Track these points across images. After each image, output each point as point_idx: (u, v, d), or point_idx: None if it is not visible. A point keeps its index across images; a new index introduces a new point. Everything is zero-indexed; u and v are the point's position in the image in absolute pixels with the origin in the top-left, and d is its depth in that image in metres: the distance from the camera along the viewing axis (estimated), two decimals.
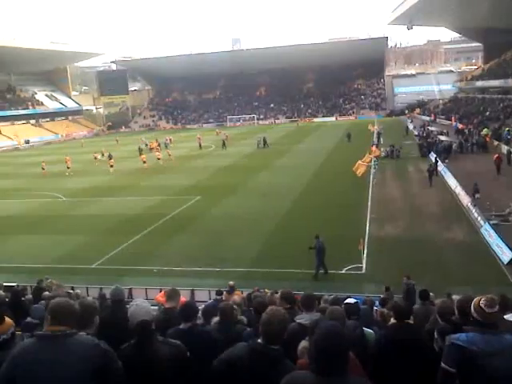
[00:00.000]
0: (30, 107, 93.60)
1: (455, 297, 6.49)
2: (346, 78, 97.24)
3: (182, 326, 4.58)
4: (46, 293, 11.29)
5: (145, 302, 4.36)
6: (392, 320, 5.26)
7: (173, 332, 4.47)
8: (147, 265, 18.57)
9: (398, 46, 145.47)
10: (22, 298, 11.14)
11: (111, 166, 42.60)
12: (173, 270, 17.66)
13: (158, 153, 47.10)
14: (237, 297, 10.38)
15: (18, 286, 13.72)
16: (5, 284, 13.30)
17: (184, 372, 3.71)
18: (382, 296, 11.90)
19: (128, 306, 4.89)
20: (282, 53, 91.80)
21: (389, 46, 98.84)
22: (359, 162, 31.95)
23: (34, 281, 13.45)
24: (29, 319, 7.31)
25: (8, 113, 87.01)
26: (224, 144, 52.94)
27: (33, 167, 47.70)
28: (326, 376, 2.69)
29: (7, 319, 4.26)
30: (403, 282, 12.97)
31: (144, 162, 43.03)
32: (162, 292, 13.54)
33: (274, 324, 3.44)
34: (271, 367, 3.38)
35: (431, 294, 8.52)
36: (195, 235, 22.18)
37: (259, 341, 3.49)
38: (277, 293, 8.74)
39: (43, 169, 42.56)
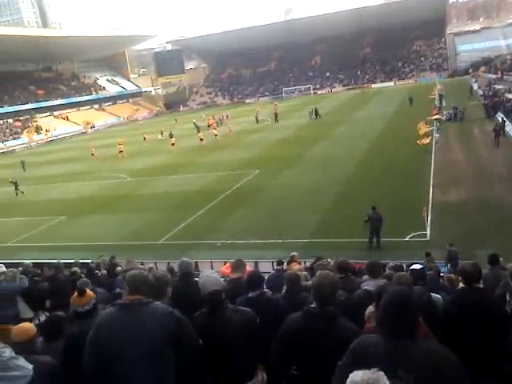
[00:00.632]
0: (93, 93, 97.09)
1: None
2: (404, 40, 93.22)
3: (250, 295, 4.72)
4: (119, 268, 11.89)
5: (214, 272, 4.50)
6: (461, 284, 5.14)
7: (242, 300, 4.63)
8: (211, 239, 19.00)
9: (460, 0, 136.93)
10: (98, 273, 11.82)
11: (172, 145, 43.60)
12: (236, 243, 17.97)
13: (214, 130, 47.66)
14: (296, 267, 10.47)
15: (92, 262, 14.55)
16: (80, 261, 14.15)
17: (254, 337, 3.85)
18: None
19: (197, 278, 5.07)
20: (336, 19, 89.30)
21: (450, 1, 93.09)
22: (421, 124, 30.87)
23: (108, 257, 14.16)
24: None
25: (74, 99, 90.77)
26: (276, 117, 52.52)
27: (99, 150, 49.67)
28: (396, 339, 2.69)
29: (88, 291, 4.58)
30: (447, 249, 12.74)
31: (201, 140, 43.77)
32: (227, 264, 13.87)
33: (325, 286, 3.53)
34: (327, 326, 3.46)
35: (501, 258, 8.16)
36: (256, 208, 22.42)
37: (313, 305, 3.56)
38: None
39: (121, 151, 43.60)
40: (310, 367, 3.52)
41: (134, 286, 3.48)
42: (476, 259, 6.72)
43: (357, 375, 2.22)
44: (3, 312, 7.45)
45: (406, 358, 2.60)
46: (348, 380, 2.22)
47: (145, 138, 51.92)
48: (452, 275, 8.38)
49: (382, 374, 2.21)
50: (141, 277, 3.56)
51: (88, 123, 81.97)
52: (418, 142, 29.08)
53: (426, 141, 28.91)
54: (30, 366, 2.91)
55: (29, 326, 4.28)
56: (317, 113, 51.47)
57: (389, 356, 2.59)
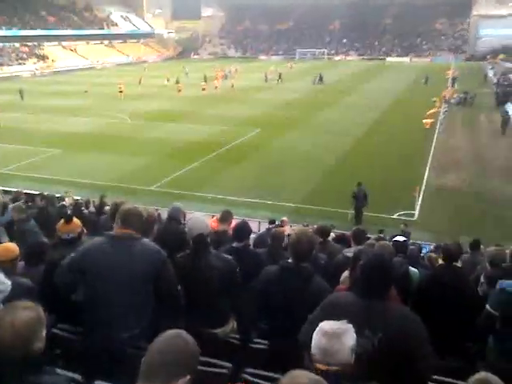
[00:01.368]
0: (105, 27, 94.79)
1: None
2: (428, 16, 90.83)
3: (234, 244, 4.81)
4: (108, 207, 11.95)
5: (202, 216, 4.56)
6: (440, 261, 5.26)
7: (226, 248, 4.72)
8: (202, 191, 19.05)
9: None
10: (85, 211, 11.90)
11: (179, 91, 43.97)
12: (226, 198, 18.00)
13: (216, 81, 47.47)
14: (286, 227, 10.64)
15: (81, 199, 14.60)
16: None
17: (232, 284, 3.92)
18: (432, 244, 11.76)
19: (185, 221, 5.14)
20: None
21: None
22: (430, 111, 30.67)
23: (96, 196, 14.22)
24: None
25: (84, 32, 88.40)
26: (321, 79, 51.81)
27: (103, 87, 49.00)
28: (368, 298, 2.79)
29: (75, 220, 4.67)
30: (401, 229, 12.98)
31: (203, 89, 44.62)
32: (214, 218, 13.97)
33: (303, 243, 3.60)
34: (301, 283, 3.55)
35: (482, 246, 8.29)
36: (252, 166, 22.40)
37: (289, 260, 3.65)
38: None
39: (121, 91, 43.34)
40: (280, 321, 3.61)
41: (127, 220, 3.51)
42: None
43: (327, 324, 2.27)
44: None
45: (375, 317, 2.71)
46: (317, 329, 2.27)
47: (140, 82, 51.26)
48: (433, 254, 8.52)
49: (351, 326, 2.28)
50: (135, 211, 3.59)
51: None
52: (423, 120, 28.99)
53: (429, 123, 28.81)
54: (9, 282, 2.99)
55: (12, 246, 4.38)
56: (321, 79, 51.06)
57: (359, 314, 2.69)
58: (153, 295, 3.48)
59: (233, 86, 46.94)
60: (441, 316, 4.17)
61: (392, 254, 4.76)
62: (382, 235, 9.73)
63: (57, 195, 13.87)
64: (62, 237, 4.55)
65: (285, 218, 12.45)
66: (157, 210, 14.55)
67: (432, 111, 30.40)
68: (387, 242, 5.78)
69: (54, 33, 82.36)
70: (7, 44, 74.48)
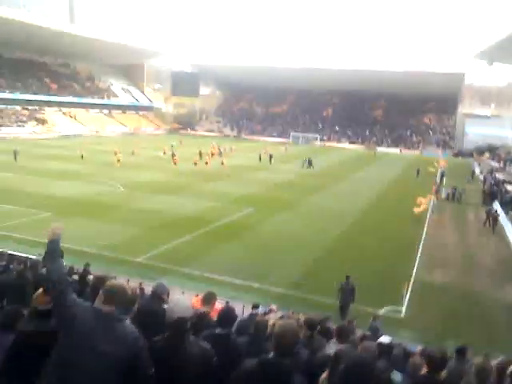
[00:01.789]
0: (106, 98, 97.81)
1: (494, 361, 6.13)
2: (416, 110, 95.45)
3: (217, 331, 4.62)
4: (91, 276, 11.67)
5: (184, 299, 4.42)
6: (424, 369, 5.06)
7: (207, 334, 4.52)
8: (190, 268, 18.79)
9: (475, 83, 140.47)
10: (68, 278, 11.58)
11: (175, 163, 45.83)
12: (213, 277, 17.75)
13: (208, 158, 48.78)
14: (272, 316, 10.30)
15: (65, 266, 14.24)
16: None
17: (207, 374, 3.77)
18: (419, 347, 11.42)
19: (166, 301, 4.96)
20: (354, 76, 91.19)
21: (465, 83, 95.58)
22: (420, 199, 31.31)
23: (81, 264, 13.96)
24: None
25: (85, 100, 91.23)
26: (310, 163, 52.78)
27: (99, 154, 49.66)
28: None
29: None
30: (370, 322, 12.66)
31: (195, 164, 46.27)
32: (198, 297, 13.63)
33: (287, 337, 3.45)
34: (282, 380, 3.38)
35: (469, 351, 8.03)
36: (242, 246, 22.24)
37: (270, 355, 3.49)
38: None
39: (118, 161, 44.28)
40: None
41: (111, 297, 3.43)
42: (445, 347, 6.62)
43: None
44: None
45: None
46: None
47: (117, 154, 50.24)
48: (417, 359, 8.22)
49: None
50: (119, 289, 3.52)
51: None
52: (414, 209, 29.61)
53: (419, 210, 29.37)
54: None
55: None
56: (310, 163, 52.36)
57: None
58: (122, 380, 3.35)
59: (223, 163, 47.81)
60: None
61: (375, 357, 4.58)
62: (367, 334, 9.41)
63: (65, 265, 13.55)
64: (38, 307, 4.35)
65: (273, 307, 12.12)
66: (141, 283, 14.32)
67: (422, 202, 31.02)
68: (371, 343, 5.58)
69: (55, 99, 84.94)
70: (9, 106, 76.33)
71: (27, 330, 4.18)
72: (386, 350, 5.85)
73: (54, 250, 3.62)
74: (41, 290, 4.44)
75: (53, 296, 3.54)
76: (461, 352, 7.68)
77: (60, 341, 3.36)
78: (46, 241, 3.61)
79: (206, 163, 46.97)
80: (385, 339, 6.23)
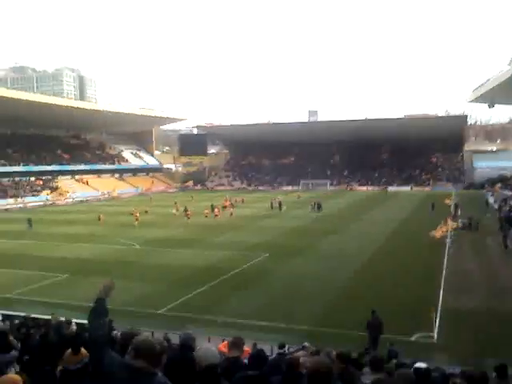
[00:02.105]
0: (116, 163, 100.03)
1: None
2: (422, 152, 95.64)
3: (249, 373, 4.56)
4: (115, 332, 11.59)
5: (212, 346, 4.42)
6: None
7: (240, 377, 4.46)
8: (211, 315, 18.61)
9: (478, 122, 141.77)
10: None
11: (188, 218, 45.87)
12: (236, 321, 17.52)
13: (218, 209, 49.77)
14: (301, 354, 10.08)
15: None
16: (76, 321, 13.82)
17: None
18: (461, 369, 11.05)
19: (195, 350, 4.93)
20: (356, 126, 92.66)
21: (468, 123, 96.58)
22: (438, 229, 31.14)
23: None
24: None
25: (97, 167, 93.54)
26: (319, 206, 53.23)
27: (113, 216, 50.25)
28: None
29: (83, 350, 4.51)
30: (387, 348, 12.63)
31: (206, 216, 47.10)
32: (225, 342, 13.43)
33: (321, 373, 3.41)
34: None
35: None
36: (261, 291, 22.02)
37: None
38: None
39: (136, 220, 44.63)
40: None
41: (140, 352, 3.37)
42: (483, 367, 6.43)
43: None
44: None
45: None
46: None
47: (134, 217, 49.51)
48: (457, 381, 7.95)
49: None
50: (149, 344, 3.45)
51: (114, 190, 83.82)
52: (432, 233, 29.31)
53: (438, 234, 29.12)
54: None
55: (16, 378, 4.17)
56: (319, 206, 52.88)
57: None
58: None
59: (231, 214, 48.25)
60: None
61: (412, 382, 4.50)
62: (401, 361, 9.18)
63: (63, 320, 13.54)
64: (68, 368, 4.38)
65: (306, 344, 11.85)
66: (166, 334, 14.16)
67: (439, 232, 30.82)
68: (406, 371, 5.47)
69: (68, 168, 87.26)
70: (23, 178, 78.35)
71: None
72: (423, 374, 5.73)
73: (101, 307, 3.70)
74: (69, 350, 4.50)
75: (92, 352, 3.53)
76: (501, 370, 7.36)
77: None
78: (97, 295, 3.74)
79: (216, 216, 47.48)
80: (420, 365, 6.13)
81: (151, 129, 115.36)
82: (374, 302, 19.03)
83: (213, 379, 3.71)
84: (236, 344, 5.95)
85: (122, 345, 4.16)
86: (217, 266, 26.97)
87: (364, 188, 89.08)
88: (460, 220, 38.94)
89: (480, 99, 73.57)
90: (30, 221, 43.94)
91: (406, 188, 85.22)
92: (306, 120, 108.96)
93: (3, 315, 13.61)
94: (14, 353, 8.05)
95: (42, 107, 76.26)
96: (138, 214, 45.42)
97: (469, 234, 35.70)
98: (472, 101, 78.40)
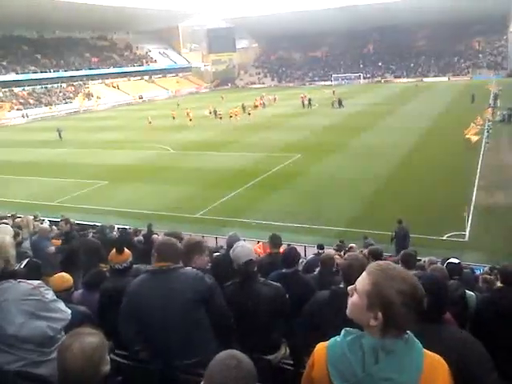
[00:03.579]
0: (145, 64, 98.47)
1: None
2: (462, 36, 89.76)
3: (284, 271, 4.79)
4: (155, 235, 12.23)
5: (245, 244, 4.59)
6: (498, 284, 5.05)
7: (275, 275, 4.71)
8: (246, 218, 19.16)
9: None
10: (134, 239, 12.20)
11: (220, 118, 46.49)
12: (270, 224, 17.95)
13: (250, 109, 49.52)
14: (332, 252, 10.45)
15: (130, 228, 14.97)
16: (117, 226, 14.59)
17: (281, 313, 3.91)
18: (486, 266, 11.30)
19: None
20: (393, 9, 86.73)
21: None
22: (472, 125, 30.14)
23: (142, 225, 14.60)
24: None
25: (125, 69, 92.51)
26: (340, 102, 51.94)
27: (144, 121, 50.60)
28: (424, 323, 2.68)
29: (126, 250, 4.79)
30: (396, 228, 13.37)
31: (230, 117, 46.13)
32: (259, 244, 13.96)
33: (354, 267, 3.51)
34: None
35: None
36: (294, 192, 22.36)
37: (341, 285, 3.59)
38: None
39: (150, 122, 45.77)
40: None
41: (162, 254, 3.54)
42: None
43: None
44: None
45: (434, 342, 2.60)
46: None
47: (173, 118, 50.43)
48: (488, 275, 8.17)
49: None
50: (169, 243, 3.61)
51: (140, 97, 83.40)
52: (466, 136, 28.55)
53: (475, 139, 28.20)
54: (69, 311, 3.07)
55: (67, 276, 4.52)
56: (340, 103, 51.56)
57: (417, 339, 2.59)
58: (207, 320, 3.49)
59: (249, 114, 48.10)
60: (502, 341, 3.96)
61: (446, 277, 4.61)
62: (433, 258, 9.39)
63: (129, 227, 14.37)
64: (114, 266, 4.67)
65: (353, 245, 12.03)
66: (203, 236, 14.84)
67: (475, 129, 29.77)
68: (439, 265, 5.60)
69: (97, 72, 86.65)
70: (55, 85, 78.69)
71: (107, 287, 4.57)
72: (455, 269, 5.86)
73: None
74: (114, 250, 4.75)
75: None
76: None
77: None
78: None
79: (249, 114, 47.35)
80: (453, 260, 6.25)
81: (177, 25, 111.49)
82: (406, 201, 19.29)
83: (250, 274, 3.95)
84: (275, 242, 6.26)
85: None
86: (250, 167, 27.27)
87: (399, 80, 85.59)
88: (499, 112, 37.42)
89: None
90: (59, 131, 43.07)
91: (444, 79, 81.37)
92: (339, 5, 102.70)
93: (50, 221, 14.37)
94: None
95: (65, 6, 74.26)
96: (174, 113, 46.79)
97: (508, 126, 34.36)
98: None
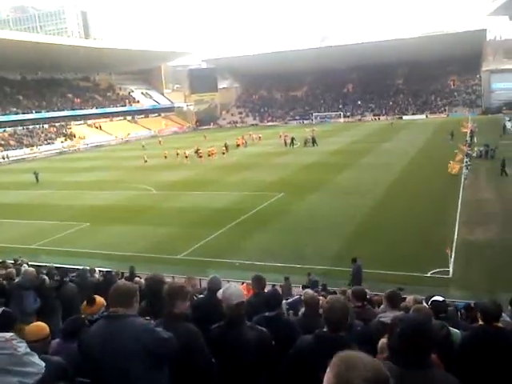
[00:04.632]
0: (127, 104, 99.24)
1: None
2: (438, 75, 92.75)
3: (267, 314, 4.69)
4: (137, 278, 12.03)
5: (236, 285, 4.50)
6: (479, 322, 5.04)
7: (259, 319, 4.61)
8: (230, 258, 19.02)
9: (498, 38, 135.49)
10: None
11: (200, 157, 46.88)
12: (254, 264, 17.87)
13: (225, 149, 50.12)
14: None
15: (111, 271, 14.69)
16: (98, 269, 14.32)
17: (267, 358, 3.82)
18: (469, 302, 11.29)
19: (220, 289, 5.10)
20: (370, 49, 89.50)
21: (487, 39, 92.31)
22: (451, 162, 30.81)
23: (125, 267, 14.36)
24: None
25: (108, 110, 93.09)
26: (314, 141, 53.05)
27: (127, 161, 50.57)
28: (408, 368, 2.64)
29: (98, 300, 4.65)
30: (352, 264, 13.86)
31: (207, 155, 46.90)
32: (244, 285, 13.80)
33: (336, 311, 3.48)
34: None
35: None
36: (277, 231, 22.32)
37: (324, 329, 3.54)
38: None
39: (145, 161, 46.47)
40: None
41: (113, 299, 3.46)
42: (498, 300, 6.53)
43: None
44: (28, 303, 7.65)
45: None
46: None
47: (165, 157, 50.71)
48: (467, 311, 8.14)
49: None
50: (122, 289, 3.49)
51: (122, 138, 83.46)
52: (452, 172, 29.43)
53: (456, 167, 28.86)
54: (43, 364, 2.95)
55: (43, 325, 4.37)
56: (314, 141, 52.89)
57: None
58: (162, 377, 3.34)
59: (223, 153, 48.34)
60: (486, 379, 3.94)
61: (430, 317, 4.59)
62: (418, 296, 9.36)
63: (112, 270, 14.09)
64: (87, 317, 4.55)
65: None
66: (188, 277, 14.59)
67: (456, 165, 30.52)
68: (423, 305, 5.58)
69: (80, 112, 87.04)
70: (37, 126, 78.63)
71: (82, 337, 4.41)
72: (441, 307, 5.84)
73: None
74: (85, 302, 4.64)
75: None
76: None
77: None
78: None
79: (223, 153, 48.62)
80: (438, 298, 6.23)
81: (160, 66, 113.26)
82: (389, 237, 19.41)
83: (238, 318, 3.86)
84: (258, 283, 6.16)
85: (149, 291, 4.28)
86: (233, 207, 27.25)
87: (378, 118, 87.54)
88: (476, 148, 38.32)
89: (500, 11, 69.90)
90: (36, 174, 41.74)
91: (422, 116, 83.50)
92: (318, 46, 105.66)
93: (29, 265, 14.07)
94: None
95: (48, 48, 74.97)
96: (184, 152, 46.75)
97: (485, 162, 35.16)
98: (492, 13, 74.65)
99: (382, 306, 6.91)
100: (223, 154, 48.72)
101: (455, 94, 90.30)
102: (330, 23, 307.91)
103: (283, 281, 14.96)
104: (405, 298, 8.40)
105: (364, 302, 6.40)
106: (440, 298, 6.21)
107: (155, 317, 3.97)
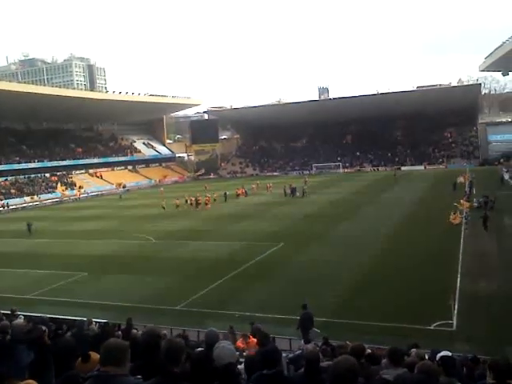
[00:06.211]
0: (129, 154, 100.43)
1: None
2: (435, 127, 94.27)
3: (265, 372, 4.55)
4: (134, 330, 11.74)
5: (229, 344, 4.40)
6: (489, 379, 4.88)
7: (256, 377, 4.46)
8: (229, 309, 18.70)
9: (493, 92, 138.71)
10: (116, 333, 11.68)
11: (206, 204, 48.46)
12: (254, 315, 17.50)
13: (207, 201, 50.53)
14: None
15: (107, 322, 14.38)
16: (95, 320, 14.01)
17: None
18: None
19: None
20: (368, 102, 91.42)
21: (482, 93, 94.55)
22: (452, 215, 30.88)
23: (122, 318, 14.06)
24: None
25: (110, 159, 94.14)
26: (293, 192, 54.19)
27: (127, 210, 50.60)
28: None
29: (93, 356, 4.51)
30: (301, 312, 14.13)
31: (206, 204, 48.28)
32: (241, 339, 13.48)
33: (345, 372, 3.37)
34: None
35: None
36: (277, 282, 22.07)
37: None
38: None
39: (164, 208, 47.97)
40: None
41: (104, 357, 3.39)
42: (507, 355, 6.36)
43: None
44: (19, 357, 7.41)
45: None
46: None
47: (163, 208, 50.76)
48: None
49: None
50: (113, 347, 3.42)
51: (120, 184, 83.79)
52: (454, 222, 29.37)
53: (457, 220, 28.83)
54: None
55: None
56: (293, 191, 54.39)
57: None
58: None
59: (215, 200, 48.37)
60: None
61: (437, 374, 4.45)
62: (420, 351, 9.14)
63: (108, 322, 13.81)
64: (81, 375, 4.40)
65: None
66: (184, 331, 14.34)
67: (458, 216, 30.59)
68: (428, 362, 5.42)
69: (81, 162, 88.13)
70: (38, 175, 79.24)
71: None
72: (450, 363, 5.70)
73: None
74: (79, 359, 4.52)
75: None
76: None
77: None
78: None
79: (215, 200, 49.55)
80: (445, 353, 6.10)
81: (162, 117, 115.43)
82: (390, 289, 19.14)
83: (230, 378, 3.74)
84: (265, 340, 5.99)
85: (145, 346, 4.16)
86: (232, 258, 27.05)
87: (377, 169, 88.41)
88: (475, 199, 38.44)
89: (493, 66, 71.97)
90: (29, 225, 40.09)
91: (420, 167, 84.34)
92: (317, 98, 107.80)
93: (24, 316, 13.76)
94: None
95: (54, 100, 76.33)
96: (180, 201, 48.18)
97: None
98: (484, 69, 76.83)
99: (384, 361, 6.74)
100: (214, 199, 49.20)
101: (453, 145, 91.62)
102: (328, 75, 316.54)
103: (284, 334, 14.67)
104: (408, 353, 8.21)
105: (361, 359, 6.20)
106: (448, 353, 6.07)
107: (150, 374, 3.84)
